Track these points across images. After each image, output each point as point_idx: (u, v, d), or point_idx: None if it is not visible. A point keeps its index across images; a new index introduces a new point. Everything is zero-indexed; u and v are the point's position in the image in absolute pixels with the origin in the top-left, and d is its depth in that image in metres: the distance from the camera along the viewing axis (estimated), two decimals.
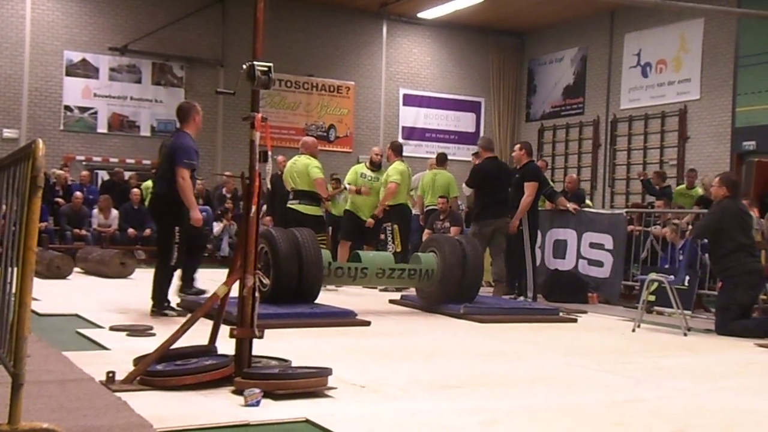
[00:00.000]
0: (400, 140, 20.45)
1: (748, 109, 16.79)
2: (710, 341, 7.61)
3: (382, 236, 11.55)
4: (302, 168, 10.65)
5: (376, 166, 11.64)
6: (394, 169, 11.41)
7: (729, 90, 17.24)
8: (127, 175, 17.09)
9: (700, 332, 8.16)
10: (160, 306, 7.59)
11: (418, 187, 12.80)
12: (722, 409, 4.48)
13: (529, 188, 10.19)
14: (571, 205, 11.27)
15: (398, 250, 11.11)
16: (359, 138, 21.02)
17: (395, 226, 11.31)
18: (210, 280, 8.49)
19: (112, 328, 6.56)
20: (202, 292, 8.15)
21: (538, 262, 10.77)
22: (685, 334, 7.84)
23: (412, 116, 21.95)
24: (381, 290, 11.03)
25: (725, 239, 8.15)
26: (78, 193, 15.65)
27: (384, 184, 11.45)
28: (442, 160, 12.79)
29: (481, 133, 22.65)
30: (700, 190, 14.06)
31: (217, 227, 16.26)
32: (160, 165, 7.75)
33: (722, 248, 8.19)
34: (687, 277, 8.96)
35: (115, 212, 15.54)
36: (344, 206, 12.11)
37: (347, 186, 11.80)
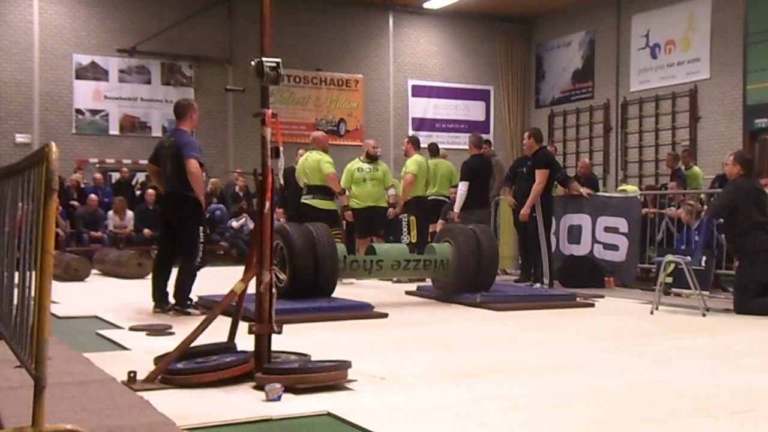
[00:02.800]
0: (410, 132, 20.49)
1: (759, 87, 16.67)
2: (729, 321, 7.58)
3: (405, 228, 11.62)
4: (314, 163, 10.66)
5: (372, 159, 11.61)
6: (412, 161, 11.54)
7: (739, 68, 17.11)
8: (141, 176, 17.17)
9: (719, 312, 8.12)
10: (183, 305, 7.61)
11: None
12: (743, 387, 4.46)
13: (540, 175, 10.16)
14: (584, 190, 11.24)
15: (414, 241, 11.13)
16: (369, 131, 21.00)
17: (412, 218, 11.43)
18: (226, 278, 8.53)
19: (131, 329, 6.59)
20: (184, 311, 7.63)
21: (553, 249, 10.74)
22: (704, 315, 7.81)
23: (421, 107, 21.93)
24: (395, 282, 11.04)
25: (741, 217, 8.11)
26: (93, 196, 15.72)
27: (397, 179, 11.54)
28: (435, 150, 12.79)
29: (492, 122, 22.62)
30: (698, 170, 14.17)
31: (236, 223, 16.31)
32: (168, 165, 7.68)
33: (738, 227, 8.15)
34: (704, 258, 8.93)
35: (130, 213, 15.60)
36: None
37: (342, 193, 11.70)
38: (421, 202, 11.60)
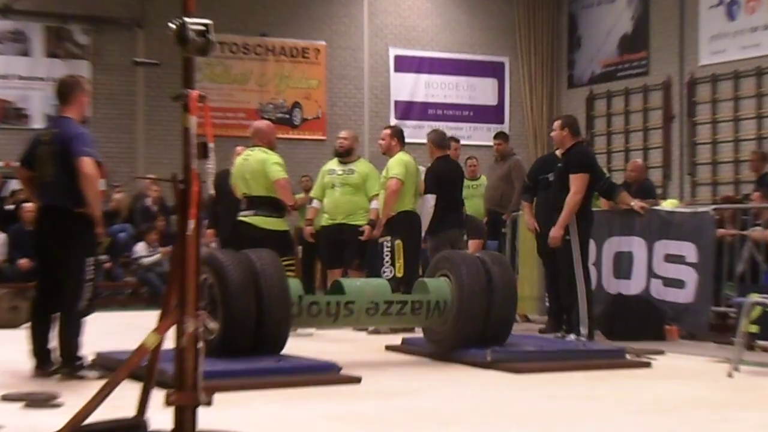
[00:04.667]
0: (392, 120, 20.50)
1: None
2: None
3: (387, 256, 11.45)
4: (257, 166, 10.62)
5: (343, 156, 11.62)
6: (397, 162, 11.41)
7: None
8: (15, 184, 17.07)
9: None
10: (72, 365, 7.56)
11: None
12: None
13: (577, 182, 10.13)
14: (636, 203, 11.30)
15: (399, 275, 11.09)
16: (335, 119, 21.04)
17: (397, 242, 11.26)
18: (135, 326, 8.47)
19: (3, 398, 6.54)
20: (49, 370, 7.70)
21: (593, 285, 10.76)
22: None
23: (408, 87, 22.02)
24: (370, 332, 11.04)
25: None
26: None
27: (375, 184, 11.49)
28: (440, 142, 12.71)
29: (506, 106, 22.71)
30: None
31: (147, 259, 16.24)
32: (47, 168, 7.64)
33: None
34: None
35: (2, 236, 15.50)
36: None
37: (309, 202, 11.73)
38: (411, 219, 11.57)
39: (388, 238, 11.35)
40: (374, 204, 11.56)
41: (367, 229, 11.51)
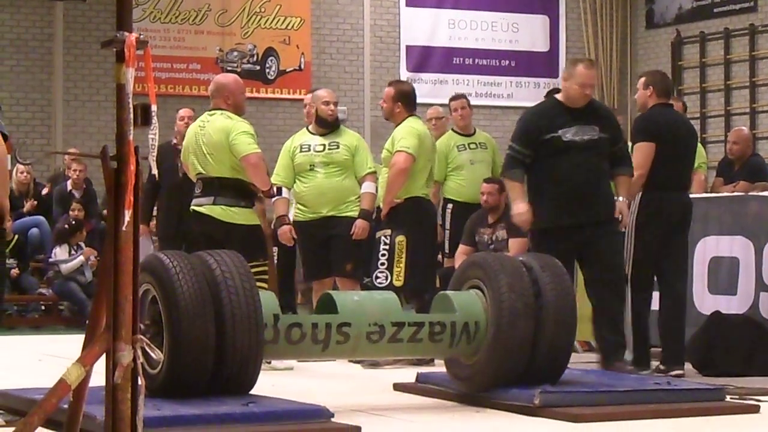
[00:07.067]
0: (403, 74, 20.50)
1: None
2: None
3: (383, 256, 11.40)
4: (218, 136, 10.58)
5: (327, 125, 11.57)
6: (406, 130, 11.39)
7: None
8: None
9: None
10: None
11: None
12: None
13: (640, 151, 10.30)
14: (738, 189, 11.30)
15: (397, 283, 11.10)
16: (323, 72, 21.11)
17: (399, 238, 11.29)
18: (51, 356, 8.54)
19: None
20: None
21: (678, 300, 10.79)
22: None
23: (425, 28, 22.09)
24: (368, 366, 11.04)
25: None
26: None
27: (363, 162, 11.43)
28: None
29: (561, 54, 22.70)
30: None
31: (66, 265, 16.27)
32: None
33: None
34: None
35: None
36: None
37: (278, 193, 11.62)
38: (422, 209, 11.60)
39: (388, 232, 11.30)
40: (367, 186, 11.47)
41: (359, 225, 11.37)
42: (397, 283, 11.09)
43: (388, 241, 11.25)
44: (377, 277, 11.17)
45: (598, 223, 10.12)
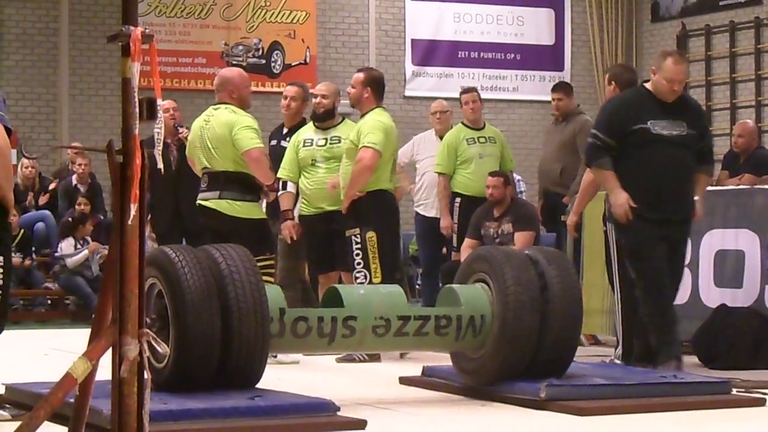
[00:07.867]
0: (408, 67, 20.47)
1: None
2: None
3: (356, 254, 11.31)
4: (222, 131, 10.58)
5: (323, 120, 11.57)
6: (374, 125, 11.25)
7: None
8: None
9: None
10: None
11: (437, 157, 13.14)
12: None
13: None
14: (743, 182, 11.29)
15: (376, 280, 11.04)
16: (328, 66, 21.07)
17: (369, 235, 11.21)
18: (57, 350, 8.55)
19: None
20: None
21: (685, 296, 10.78)
22: None
23: (430, 21, 22.06)
24: (369, 359, 11.04)
25: None
26: None
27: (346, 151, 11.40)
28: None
29: (567, 47, 22.69)
30: None
31: (71, 259, 16.26)
32: None
33: None
34: None
35: None
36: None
37: (284, 187, 11.58)
38: (386, 202, 11.52)
39: (357, 230, 11.21)
40: (333, 179, 11.40)
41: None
42: (376, 280, 11.04)
43: (359, 240, 11.15)
44: (356, 278, 11.13)
45: (684, 221, 10.12)
